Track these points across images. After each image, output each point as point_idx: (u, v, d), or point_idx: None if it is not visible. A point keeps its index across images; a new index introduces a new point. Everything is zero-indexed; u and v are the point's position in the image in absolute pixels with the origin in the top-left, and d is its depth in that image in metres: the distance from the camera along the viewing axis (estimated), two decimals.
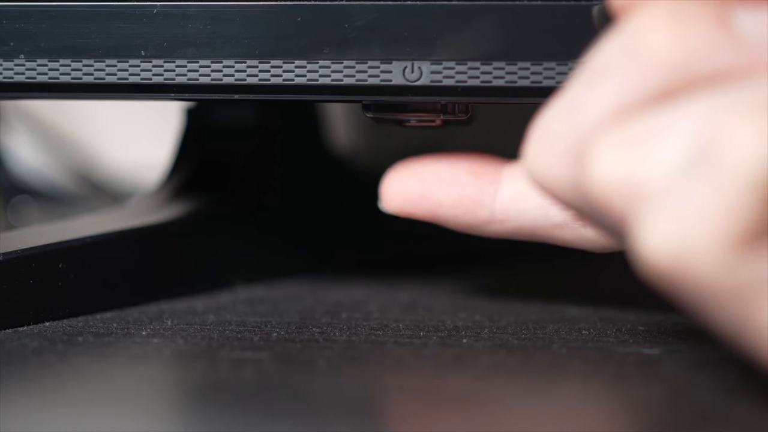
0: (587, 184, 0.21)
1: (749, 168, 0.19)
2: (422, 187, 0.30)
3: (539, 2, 0.27)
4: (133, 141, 0.69)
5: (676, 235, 0.19)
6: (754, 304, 0.19)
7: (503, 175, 0.30)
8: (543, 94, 0.27)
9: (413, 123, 0.31)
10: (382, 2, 0.28)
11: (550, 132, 0.22)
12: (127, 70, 0.29)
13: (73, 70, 0.29)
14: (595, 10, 0.26)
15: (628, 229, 0.20)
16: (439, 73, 0.28)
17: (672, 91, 0.20)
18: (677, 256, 0.19)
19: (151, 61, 0.29)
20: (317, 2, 0.28)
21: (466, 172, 0.30)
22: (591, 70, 0.22)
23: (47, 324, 0.31)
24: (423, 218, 0.30)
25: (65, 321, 0.31)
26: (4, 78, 0.29)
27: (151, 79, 0.29)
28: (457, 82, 0.28)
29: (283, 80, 0.29)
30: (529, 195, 0.29)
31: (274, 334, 0.29)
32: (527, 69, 0.28)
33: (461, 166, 0.30)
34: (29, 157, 0.66)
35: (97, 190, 0.64)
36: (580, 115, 0.21)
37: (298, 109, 0.41)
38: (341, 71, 0.28)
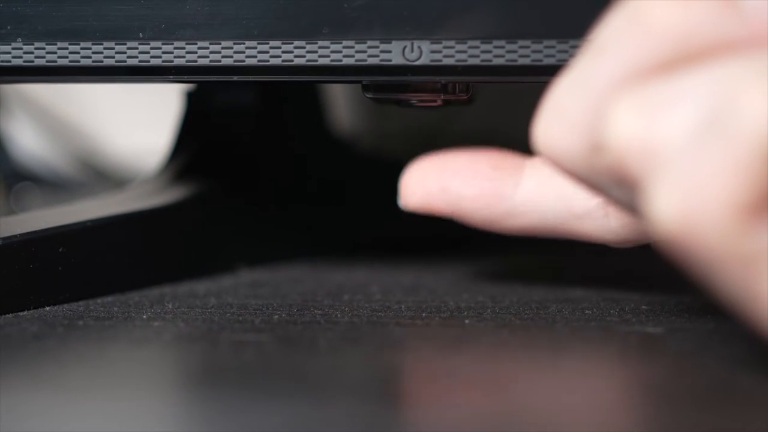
0: (604, 146, 0.21)
1: (759, 136, 0.19)
2: (442, 181, 0.30)
3: None
4: (136, 127, 0.69)
5: (686, 201, 0.19)
6: (760, 273, 0.19)
7: (524, 167, 0.30)
8: (543, 72, 0.27)
9: (414, 103, 0.30)
10: None
11: (560, 105, 0.22)
12: (125, 53, 0.29)
13: (70, 53, 0.29)
14: None
15: (641, 193, 0.20)
16: (439, 52, 0.28)
17: (678, 61, 0.21)
18: (687, 222, 0.19)
19: (149, 43, 0.29)
20: None
21: (486, 164, 0.30)
22: (597, 43, 0.22)
23: (48, 308, 0.30)
24: (443, 213, 0.30)
25: (66, 305, 0.31)
26: (2, 62, 0.29)
27: (149, 62, 0.29)
28: (457, 61, 0.28)
29: (283, 61, 0.28)
30: (551, 187, 0.29)
31: (276, 317, 0.29)
32: (527, 47, 0.27)
33: (482, 160, 0.30)
34: (31, 143, 0.66)
35: (100, 177, 0.64)
36: (589, 85, 0.22)
37: (299, 91, 0.40)
38: (341, 51, 0.28)
